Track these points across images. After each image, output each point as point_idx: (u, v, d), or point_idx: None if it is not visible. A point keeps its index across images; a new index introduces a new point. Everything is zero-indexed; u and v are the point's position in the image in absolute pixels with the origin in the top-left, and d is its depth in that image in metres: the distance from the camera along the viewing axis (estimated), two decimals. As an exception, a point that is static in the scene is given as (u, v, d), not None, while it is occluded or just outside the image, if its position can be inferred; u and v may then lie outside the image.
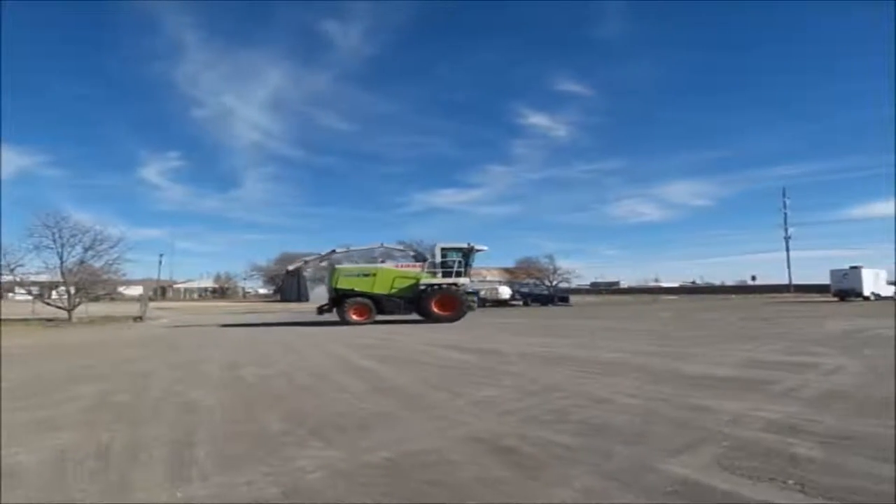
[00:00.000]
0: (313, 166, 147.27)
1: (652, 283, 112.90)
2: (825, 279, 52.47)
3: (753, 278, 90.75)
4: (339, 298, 26.12)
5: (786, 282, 77.56)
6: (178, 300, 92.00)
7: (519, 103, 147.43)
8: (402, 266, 27.96)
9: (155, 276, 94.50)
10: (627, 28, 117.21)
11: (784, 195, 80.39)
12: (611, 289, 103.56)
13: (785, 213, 79.60)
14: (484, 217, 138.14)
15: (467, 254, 26.87)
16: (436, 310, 25.23)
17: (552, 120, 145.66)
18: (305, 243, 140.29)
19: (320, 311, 26.98)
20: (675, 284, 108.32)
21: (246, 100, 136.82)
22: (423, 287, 25.75)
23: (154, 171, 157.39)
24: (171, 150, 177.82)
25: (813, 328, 18.23)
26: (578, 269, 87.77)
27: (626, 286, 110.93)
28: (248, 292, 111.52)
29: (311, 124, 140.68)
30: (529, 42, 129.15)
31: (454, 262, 26.19)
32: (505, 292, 52.03)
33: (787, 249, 79.24)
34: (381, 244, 30.90)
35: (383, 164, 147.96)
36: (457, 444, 5.08)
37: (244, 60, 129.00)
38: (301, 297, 78.56)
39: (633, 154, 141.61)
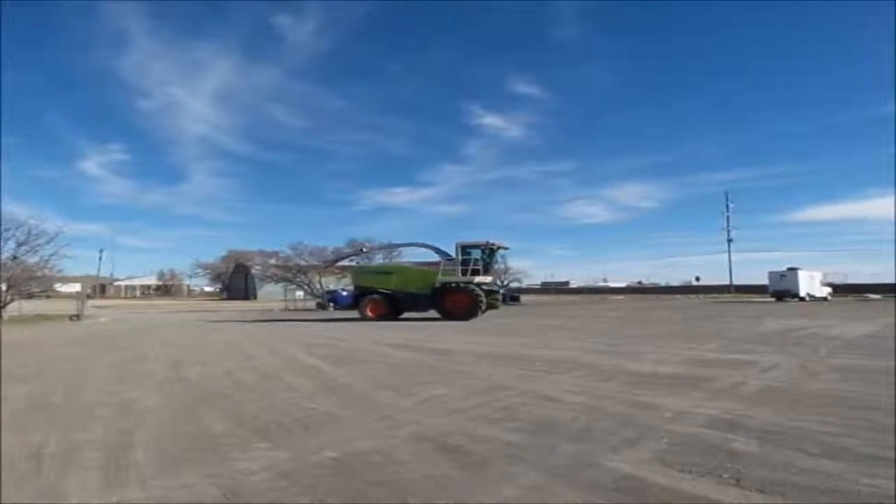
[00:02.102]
0: (262, 162, 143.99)
1: (601, 283, 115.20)
2: (764, 280, 54.56)
3: (697, 279, 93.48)
4: (359, 295, 27.39)
5: (727, 282, 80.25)
6: (119, 298, 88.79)
7: (472, 103, 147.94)
8: (421, 265, 28.12)
9: (94, 273, 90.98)
10: (582, 31, 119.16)
11: (727, 199, 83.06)
12: (561, 288, 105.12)
13: (727, 217, 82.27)
14: (435, 216, 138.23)
15: (491, 252, 26.76)
16: (449, 308, 25.11)
17: (505, 120, 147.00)
18: (253, 240, 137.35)
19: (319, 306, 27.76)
20: (623, 284, 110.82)
21: (194, 92, 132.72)
22: (438, 285, 25.70)
23: (95, 163, 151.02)
24: (114, 142, 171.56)
25: (751, 327, 18.94)
26: (529, 269, 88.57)
27: (575, 286, 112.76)
28: (194, 290, 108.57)
29: (261, 119, 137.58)
30: (484, 42, 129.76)
31: (474, 260, 25.89)
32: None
33: (729, 251, 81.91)
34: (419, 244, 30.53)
35: (333, 161, 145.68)
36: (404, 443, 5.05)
37: (193, 51, 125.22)
38: (249, 294, 76.97)
39: (583, 156, 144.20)
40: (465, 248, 25.90)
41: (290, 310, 42.34)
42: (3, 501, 3.75)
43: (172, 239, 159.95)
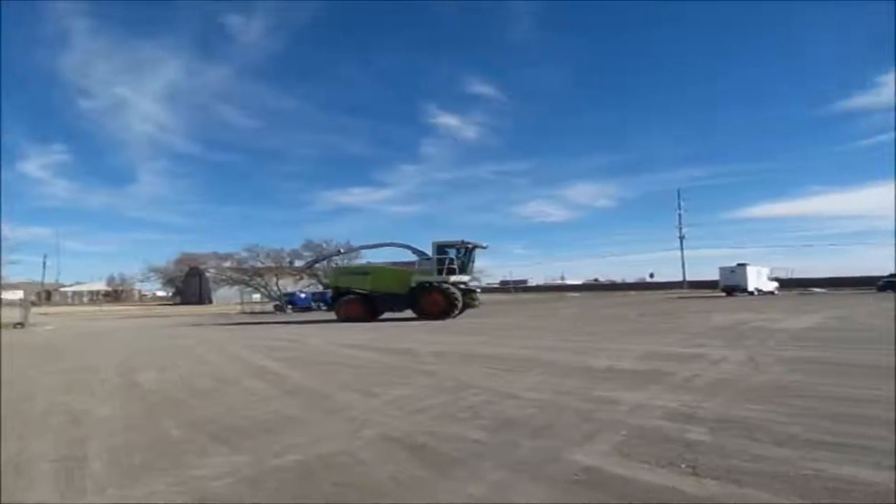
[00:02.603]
0: (213, 162, 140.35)
1: (558, 281, 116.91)
2: (715, 276, 56.36)
3: (651, 275, 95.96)
4: (336, 296, 27.66)
5: (680, 279, 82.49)
6: (66, 305, 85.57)
7: (429, 103, 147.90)
8: (399, 265, 28.04)
9: (38, 279, 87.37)
10: (537, 32, 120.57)
11: (679, 197, 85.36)
12: (519, 287, 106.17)
13: (680, 214, 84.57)
14: (393, 216, 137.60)
15: (467, 251, 26.72)
16: (425, 308, 25.01)
17: (461, 120, 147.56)
18: (207, 243, 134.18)
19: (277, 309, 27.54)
20: (580, 282, 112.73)
21: (140, 91, 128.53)
22: (414, 285, 25.57)
23: (36, 164, 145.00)
24: (56, 142, 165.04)
25: (702, 322, 19.56)
26: (488, 268, 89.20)
27: (534, 284, 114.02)
28: (145, 295, 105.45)
29: (211, 119, 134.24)
30: (439, 42, 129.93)
31: (450, 259, 25.78)
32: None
33: (682, 248, 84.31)
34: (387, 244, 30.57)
35: (288, 162, 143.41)
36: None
37: (140, 50, 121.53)
38: (203, 298, 75.16)
39: (539, 156, 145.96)
40: (441, 248, 25.84)
41: (246, 313, 41.64)
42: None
43: (121, 242, 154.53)
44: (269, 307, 45.85)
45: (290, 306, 42.07)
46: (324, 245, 66.14)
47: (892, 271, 53.22)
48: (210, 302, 71.46)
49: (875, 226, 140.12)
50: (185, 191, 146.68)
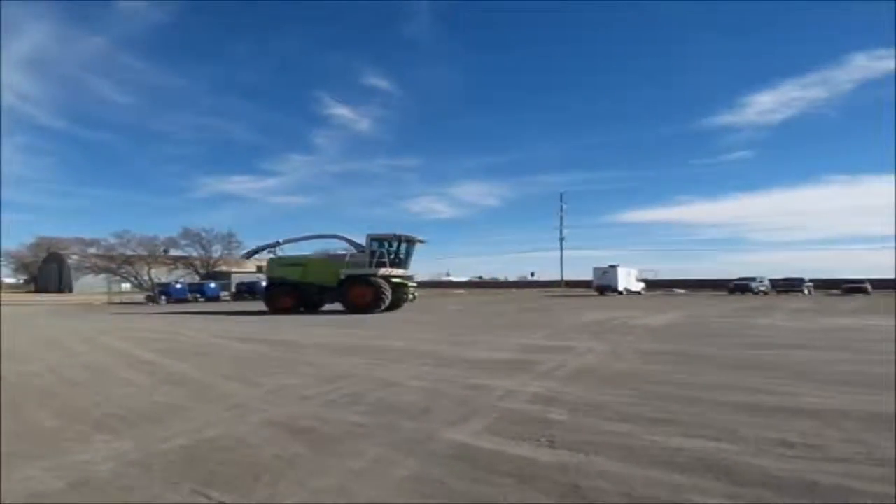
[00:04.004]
0: (82, 140, 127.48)
1: (444, 278, 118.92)
2: (590, 276, 59.93)
3: (532, 274, 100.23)
4: (268, 287, 27.56)
5: (559, 278, 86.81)
6: None
7: (322, 93, 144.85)
8: (333, 256, 27.28)
9: None
10: (434, 31, 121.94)
11: (561, 200, 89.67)
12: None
13: (561, 216, 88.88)
14: (279, 206, 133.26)
15: (401, 244, 26.22)
16: (352, 300, 24.43)
17: (355, 112, 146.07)
18: (69, 227, 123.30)
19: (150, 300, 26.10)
20: (465, 279, 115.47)
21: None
22: (343, 277, 24.93)
23: None
24: None
25: (574, 318, 20.96)
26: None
27: (419, 280, 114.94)
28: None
29: (83, 92, 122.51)
30: (335, 32, 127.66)
31: (383, 252, 25.25)
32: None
33: (561, 249, 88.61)
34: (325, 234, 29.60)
35: (167, 144, 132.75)
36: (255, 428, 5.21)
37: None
38: (63, 287, 69.22)
39: (429, 152, 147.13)
40: (374, 240, 25.45)
41: (115, 303, 39.01)
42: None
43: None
44: (141, 297, 43.13)
45: (164, 297, 39.86)
46: (203, 234, 63.59)
47: (742, 276, 59.13)
48: (70, 291, 65.94)
49: (732, 233, 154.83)
50: (47, 169, 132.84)
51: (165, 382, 7.85)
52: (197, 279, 55.06)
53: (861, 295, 47.84)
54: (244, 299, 44.31)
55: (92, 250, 62.11)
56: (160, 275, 55.76)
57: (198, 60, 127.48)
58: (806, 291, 54.44)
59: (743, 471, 3.86)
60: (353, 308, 24.36)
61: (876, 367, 8.56)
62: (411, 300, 27.61)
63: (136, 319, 22.51)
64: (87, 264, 61.19)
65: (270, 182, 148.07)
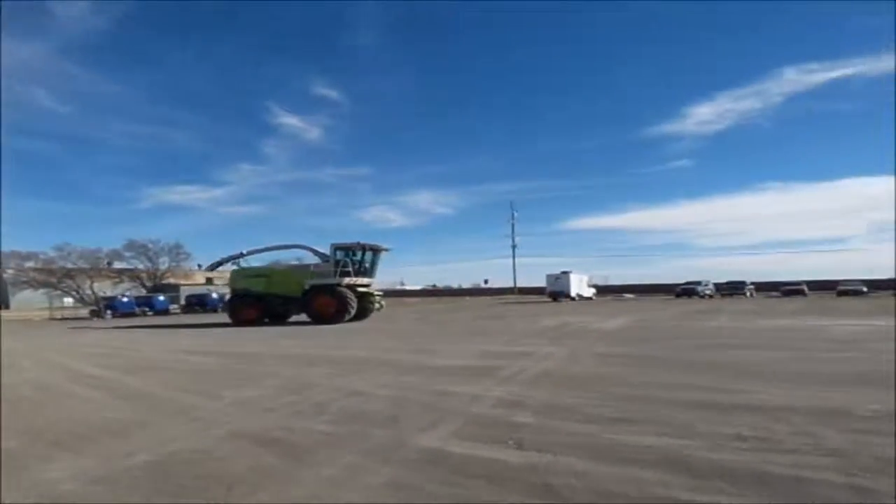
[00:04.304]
0: (16, 149, 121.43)
1: (398, 287, 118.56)
2: (543, 282, 60.86)
3: (486, 281, 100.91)
4: (232, 298, 27.19)
5: (512, 284, 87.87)
6: None
7: (271, 102, 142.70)
8: (297, 266, 27.04)
9: None
10: (383, 40, 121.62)
11: (512, 208, 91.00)
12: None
13: (513, 224, 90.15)
14: (227, 217, 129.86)
15: (366, 253, 25.94)
16: (317, 310, 24.05)
17: (305, 122, 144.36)
18: (3, 240, 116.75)
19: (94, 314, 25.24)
20: (418, 287, 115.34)
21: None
22: (308, 287, 24.52)
23: None
24: None
25: (531, 324, 21.31)
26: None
27: (374, 290, 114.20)
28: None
29: (17, 100, 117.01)
30: (282, 41, 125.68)
31: (347, 262, 24.87)
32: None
33: (514, 256, 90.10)
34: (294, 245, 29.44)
35: (108, 154, 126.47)
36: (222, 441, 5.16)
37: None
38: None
39: (380, 162, 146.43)
40: (339, 249, 25.14)
41: (56, 319, 37.49)
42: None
43: None
44: (84, 312, 41.57)
45: (109, 312, 38.53)
46: (149, 245, 61.72)
47: (688, 280, 61.04)
48: (7, 307, 62.86)
49: (678, 239, 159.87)
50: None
51: (122, 398, 7.64)
52: (144, 292, 53.47)
53: (799, 296, 50.09)
54: (195, 312, 43.30)
55: (30, 264, 59.35)
56: (104, 288, 53.88)
57: (141, 68, 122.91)
58: (748, 294, 56.74)
59: (702, 465, 4.07)
60: (318, 318, 24.03)
61: (816, 365, 9.06)
62: (378, 309, 27.25)
63: (83, 334, 21.68)
64: (25, 279, 58.43)
65: (218, 192, 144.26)
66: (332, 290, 24.20)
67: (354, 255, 25.68)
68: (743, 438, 4.74)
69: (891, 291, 50.70)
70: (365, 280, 26.07)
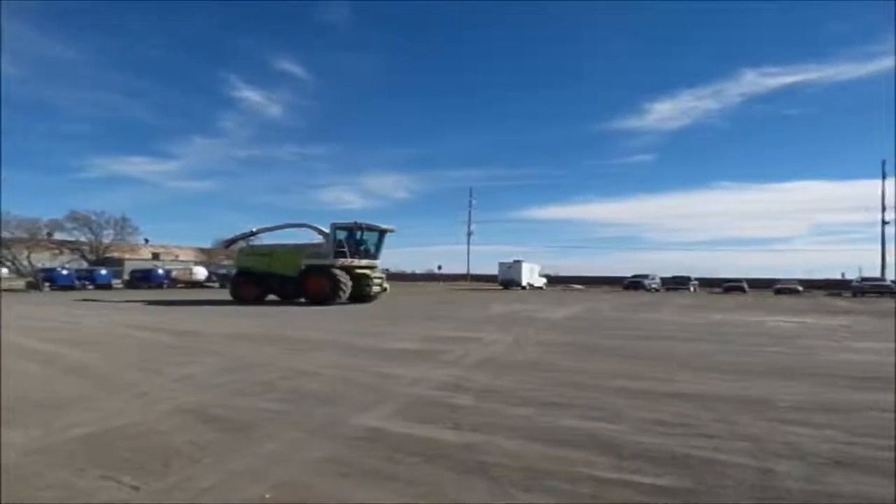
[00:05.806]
0: None
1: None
2: (496, 270, 61.53)
3: (439, 267, 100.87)
4: (235, 276, 27.55)
5: (465, 271, 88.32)
6: None
7: (230, 74, 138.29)
8: (300, 246, 25.75)
9: None
10: (351, 17, 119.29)
11: (471, 195, 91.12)
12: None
13: (470, 211, 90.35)
14: (179, 190, 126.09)
15: (370, 234, 25.57)
16: (310, 291, 23.69)
17: (265, 97, 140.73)
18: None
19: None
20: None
21: None
22: (303, 267, 24.16)
23: None
24: None
25: (481, 311, 21.62)
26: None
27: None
28: None
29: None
30: (245, 13, 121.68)
31: (347, 242, 24.35)
32: (200, 273, 49.58)
33: (469, 243, 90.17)
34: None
35: (54, 120, 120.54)
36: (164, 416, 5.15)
37: None
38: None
39: (341, 142, 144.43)
40: (338, 229, 24.55)
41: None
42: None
43: None
44: (20, 284, 39.93)
45: (47, 284, 37.10)
46: (93, 217, 59.59)
47: (636, 272, 62.69)
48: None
49: (628, 232, 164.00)
50: None
51: (63, 372, 7.51)
52: (85, 265, 51.70)
53: (739, 293, 52.12)
54: (139, 287, 42.12)
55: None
56: (42, 260, 51.78)
57: (93, 32, 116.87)
58: (692, 289, 58.60)
59: (626, 446, 4.31)
60: (311, 299, 23.77)
61: (746, 358, 9.55)
62: (379, 292, 26.24)
63: (21, 307, 20.86)
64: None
65: (170, 165, 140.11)
66: (325, 270, 23.72)
67: (355, 235, 25.20)
68: (667, 424, 5.02)
69: (825, 291, 53.37)
70: (364, 262, 25.38)
